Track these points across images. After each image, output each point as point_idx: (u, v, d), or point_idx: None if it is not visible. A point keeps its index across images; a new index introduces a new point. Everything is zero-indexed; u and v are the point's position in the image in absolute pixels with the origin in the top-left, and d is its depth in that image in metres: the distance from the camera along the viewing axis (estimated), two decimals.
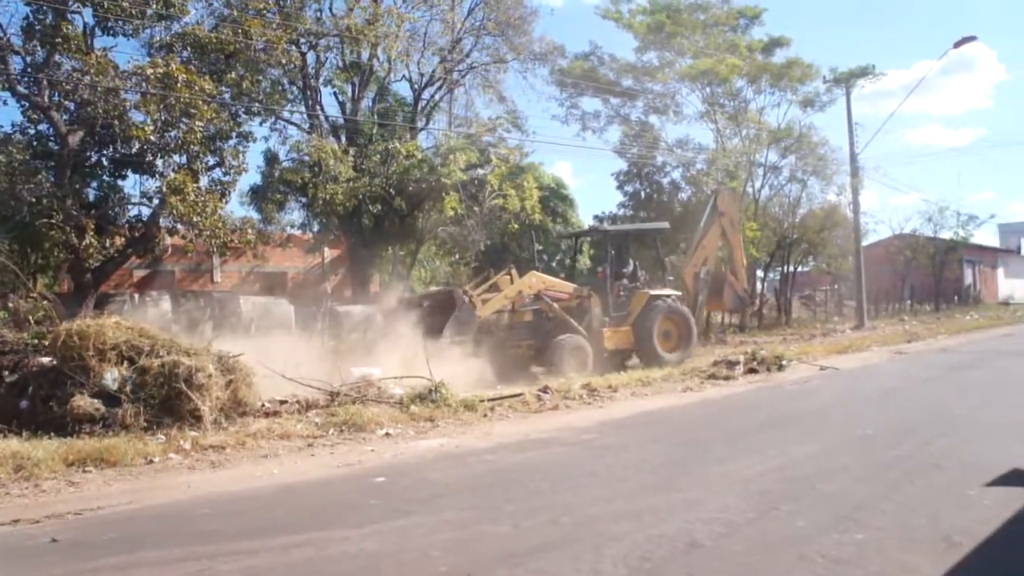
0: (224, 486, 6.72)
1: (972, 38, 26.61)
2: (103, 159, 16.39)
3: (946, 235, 41.78)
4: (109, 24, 15.43)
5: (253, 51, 16.89)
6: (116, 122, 14.39)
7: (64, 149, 14.96)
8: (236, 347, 9.70)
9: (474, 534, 5.15)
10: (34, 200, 14.22)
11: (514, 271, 15.79)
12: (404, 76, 23.79)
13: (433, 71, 24.00)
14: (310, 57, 21.49)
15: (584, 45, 47.09)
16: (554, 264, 29.00)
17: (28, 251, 15.60)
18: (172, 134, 15.07)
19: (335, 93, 23.58)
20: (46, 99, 14.99)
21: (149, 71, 14.36)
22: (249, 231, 17.57)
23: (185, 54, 16.16)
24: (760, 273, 32.25)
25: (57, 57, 15.08)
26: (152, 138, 14.67)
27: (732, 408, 10.84)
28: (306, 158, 19.94)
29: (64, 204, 14.47)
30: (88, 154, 16.01)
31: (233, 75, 16.74)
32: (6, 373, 9.01)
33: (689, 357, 16.30)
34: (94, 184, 16.77)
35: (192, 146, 15.19)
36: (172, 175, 15.02)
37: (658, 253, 18.91)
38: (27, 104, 15.25)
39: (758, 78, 30.63)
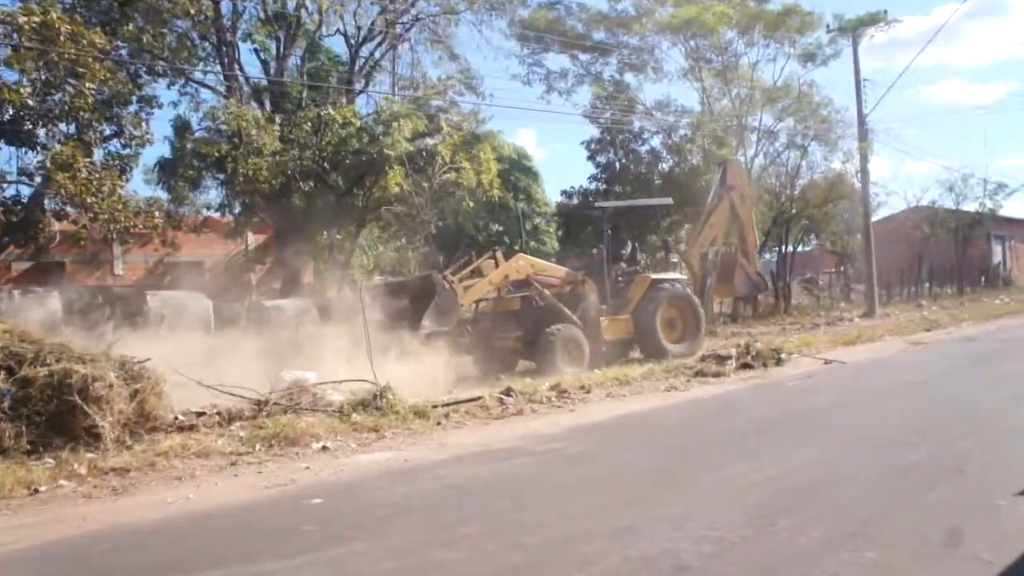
0: (128, 516, 6.58)
1: None
2: None
3: (971, 207, 42.55)
4: None
5: None
6: None
7: None
8: (143, 351, 9.51)
9: (425, 562, 5.12)
10: None
11: (499, 254, 16.04)
12: (338, 30, 23.55)
13: (373, 23, 23.76)
14: (225, 6, 21.15)
15: None
16: (516, 248, 29.08)
17: None
18: (56, 98, 14.68)
19: (256, 50, 23.17)
20: None
21: (22, 19, 13.88)
22: (156, 214, 17.27)
23: (69, 0, 15.75)
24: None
25: None
26: (30, 102, 14.24)
27: (723, 409, 10.95)
28: (223, 127, 19.61)
29: None
30: None
31: (131, 27, 16.38)
32: None
33: (698, 349, 16.69)
34: None
35: (82, 112, 14.81)
36: (58, 147, 14.63)
37: (660, 232, 19.06)
38: None
39: (750, 28, 30.90)
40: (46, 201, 15.57)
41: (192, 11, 18.16)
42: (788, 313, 29.35)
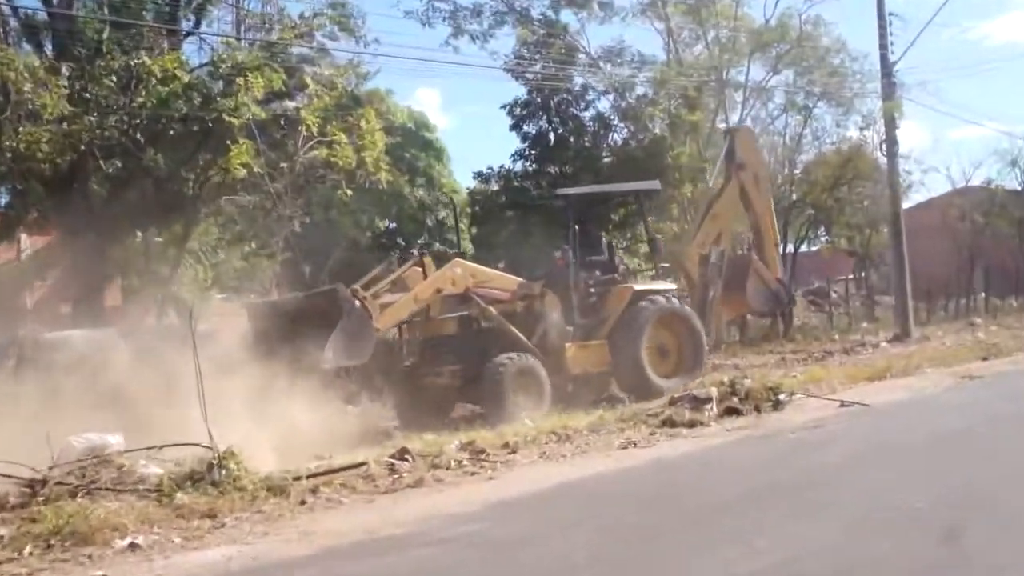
0: None
1: None
2: None
3: None
4: None
5: None
6: None
7: None
8: None
9: None
10: None
11: (428, 260, 16.53)
12: None
13: None
14: None
15: None
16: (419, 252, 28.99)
17: None
18: None
19: None
20: None
21: None
22: None
23: None
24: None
25: None
26: None
27: (701, 472, 11.01)
28: None
29: None
30: None
31: None
32: None
33: (699, 378, 17.05)
34: None
35: None
36: None
37: (645, 227, 19.93)
38: None
39: None
40: None
41: None
42: (789, 337, 29.74)
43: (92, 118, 19.68)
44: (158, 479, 9.99)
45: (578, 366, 16.61)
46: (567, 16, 32.37)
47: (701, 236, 22.33)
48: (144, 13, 23.75)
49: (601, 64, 32.26)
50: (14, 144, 18.65)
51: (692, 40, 33.14)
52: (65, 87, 19.39)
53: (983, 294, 41.21)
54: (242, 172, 20.74)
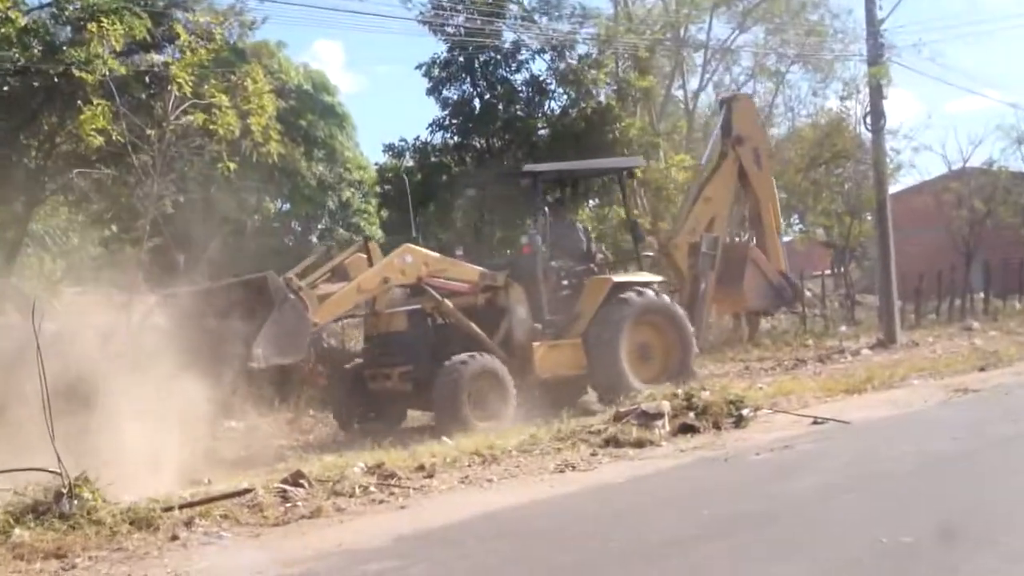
0: None
1: None
2: None
3: None
4: None
5: None
6: None
7: None
8: None
9: None
10: None
11: (373, 245, 17.06)
12: None
13: None
14: None
15: None
16: (326, 242, 28.84)
17: None
18: None
19: None
20: None
21: None
22: None
23: None
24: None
25: None
26: None
27: (648, 501, 11.08)
28: None
29: None
30: None
31: None
32: None
33: (685, 385, 17.12)
34: None
35: None
36: None
37: (626, 210, 20.63)
38: None
39: None
40: None
41: None
42: (755, 342, 30.03)
43: None
44: None
45: (547, 369, 17.03)
46: None
47: (691, 222, 22.55)
48: None
49: (536, 17, 32.32)
50: None
51: None
52: None
53: (981, 293, 41.60)
54: (98, 140, 20.36)
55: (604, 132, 28.61)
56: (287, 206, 30.70)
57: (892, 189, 32.72)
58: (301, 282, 15.70)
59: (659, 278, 19.59)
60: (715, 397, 15.73)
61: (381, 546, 9.38)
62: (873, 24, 30.06)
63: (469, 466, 12.80)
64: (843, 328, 34.21)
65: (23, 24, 20.35)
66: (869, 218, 34.71)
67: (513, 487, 11.95)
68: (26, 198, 22.31)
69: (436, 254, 17.76)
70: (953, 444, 13.54)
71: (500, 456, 13.28)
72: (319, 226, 31.56)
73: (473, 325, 16.63)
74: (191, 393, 13.64)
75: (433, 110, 32.34)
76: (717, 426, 14.95)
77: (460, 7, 31.33)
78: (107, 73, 20.00)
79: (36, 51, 20.06)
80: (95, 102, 19.90)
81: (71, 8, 20.97)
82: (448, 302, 16.69)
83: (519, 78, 32.00)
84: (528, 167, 21.21)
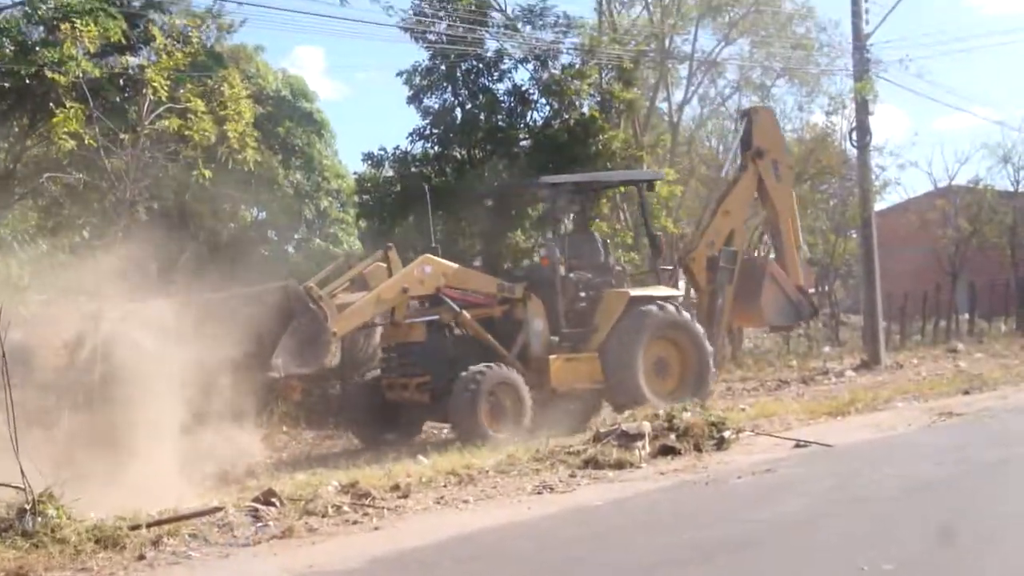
0: None
1: None
2: None
3: None
4: None
5: None
6: None
7: None
8: None
9: None
10: None
11: (393, 255, 17.31)
12: None
13: None
14: None
15: None
16: (298, 252, 28.72)
17: None
18: None
19: None
20: None
21: None
22: None
23: None
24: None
25: None
26: None
27: (626, 525, 11.07)
28: None
29: None
30: None
31: None
32: None
33: (702, 403, 17.46)
34: None
35: None
36: None
37: (645, 223, 20.76)
38: None
39: None
40: None
41: None
42: (738, 363, 30.13)
43: None
44: None
45: (563, 381, 17.44)
46: None
47: (710, 235, 22.75)
48: None
49: (519, 26, 32.29)
50: None
51: (629, 0, 33.44)
52: None
53: (967, 315, 41.85)
54: (70, 143, 20.24)
55: (587, 144, 28.56)
56: (263, 214, 30.59)
57: (877, 207, 32.98)
58: (321, 291, 16.00)
59: (678, 292, 20.32)
60: (696, 419, 15.72)
61: (354, 568, 9.35)
62: (859, 39, 30.23)
63: (445, 486, 12.79)
64: (827, 349, 34.35)
65: None
66: (854, 236, 34.82)
67: (490, 508, 11.94)
68: None
69: (455, 265, 18.20)
70: (937, 469, 13.61)
71: (477, 476, 13.28)
72: (295, 235, 31.40)
73: (489, 336, 17.13)
74: (163, 407, 13.60)
75: (413, 119, 32.14)
76: (698, 448, 14.97)
77: (442, 14, 31.29)
78: (80, 75, 19.92)
79: (7, 51, 19.98)
80: (68, 104, 19.80)
81: (44, 8, 20.88)
82: (466, 313, 17.14)
83: (501, 88, 31.90)
84: (546, 178, 21.63)
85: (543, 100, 31.50)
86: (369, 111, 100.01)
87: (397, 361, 17.49)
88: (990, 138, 74.45)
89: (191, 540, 10.23)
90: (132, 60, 21.40)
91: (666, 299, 18.82)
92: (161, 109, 21.25)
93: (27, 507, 9.93)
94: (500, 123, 30.98)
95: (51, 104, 19.81)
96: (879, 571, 8.49)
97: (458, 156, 30.72)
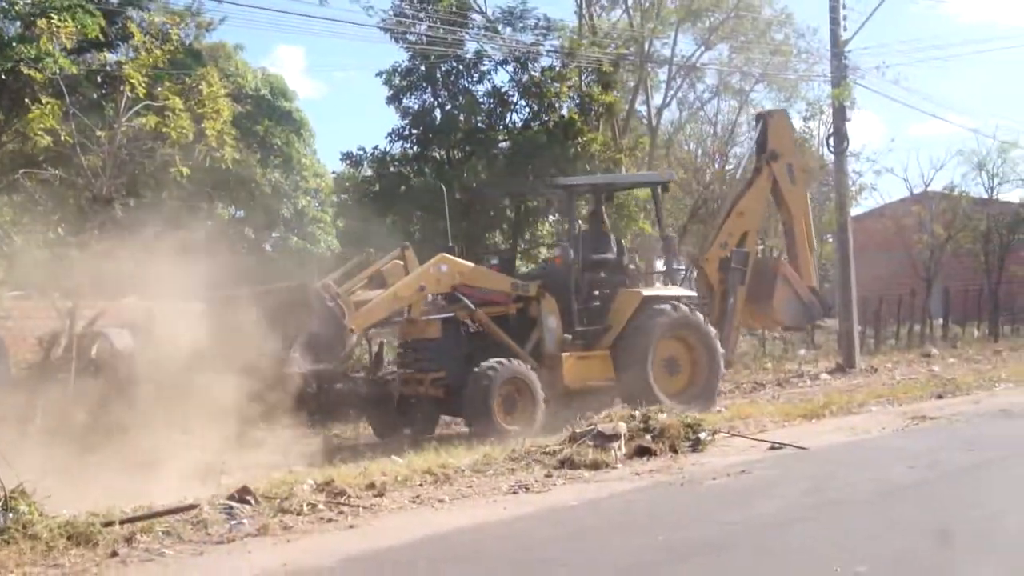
0: None
1: None
2: None
3: (1013, 195, 45.73)
4: None
5: None
6: None
7: None
8: None
9: None
10: None
11: (410, 253, 17.84)
12: None
13: None
14: None
15: None
16: (281, 252, 28.61)
17: None
18: None
19: None
20: None
21: None
22: None
23: None
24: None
25: None
26: None
27: (600, 526, 11.06)
28: None
29: None
30: None
31: None
32: None
33: (711, 403, 18.55)
34: None
35: None
36: None
37: (659, 223, 21.14)
38: None
39: None
40: None
41: None
42: None
43: None
44: None
45: (575, 378, 17.75)
46: None
47: (723, 235, 22.97)
48: None
49: (499, 28, 32.32)
50: None
51: (610, 3, 33.45)
52: None
53: (941, 320, 42.05)
54: (46, 139, 20.13)
55: (566, 146, 28.63)
56: (241, 213, 30.54)
57: (854, 212, 33.09)
58: (339, 288, 16.43)
59: (690, 293, 20.33)
60: (672, 420, 15.71)
61: (328, 566, 9.32)
62: (837, 45, 30.35)
63: (421, 485, 12.75)
64: (802, 352, 34.45)
65: None
66: (830, 240, 34.96)
67: (465, 508, 11.91)
68: None
69: (470, 264, 18.59)
70: (910, 473, 13.61)
71: (453, 476, 13.24)
72: (273, 234, 31.38)
73: (503, 334, 17.51)
74: (142, 404, 13.58)
75: (393, 119, 32.22)
76: (674, 449, 14.96)
77: (423, 15, 31.28)
78: (57, 71, 19.83)
79: None
80: (44, 100, 19.68)
81: (21, 3, 20.77)
82: (481, 311, 17.53)
83: (481, 89, 31.99)
84: (562, 180, 22.06)
85: (523, 102, 31.61)
86: (348, 111, 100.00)
87: (413, 357, 17.87)
88: (965, 145, 74.50)
89: (165, 537, 10.16)
90: (110, 57, 21.35)
91: (679, 299, 19.19)
92: (139, 106, 21.12)
93: None
94: (479, 124, 31.06)
95: (27, 100, 19.70)
96: (852, 573, 8.51)
97: (437, 156, 30.76)
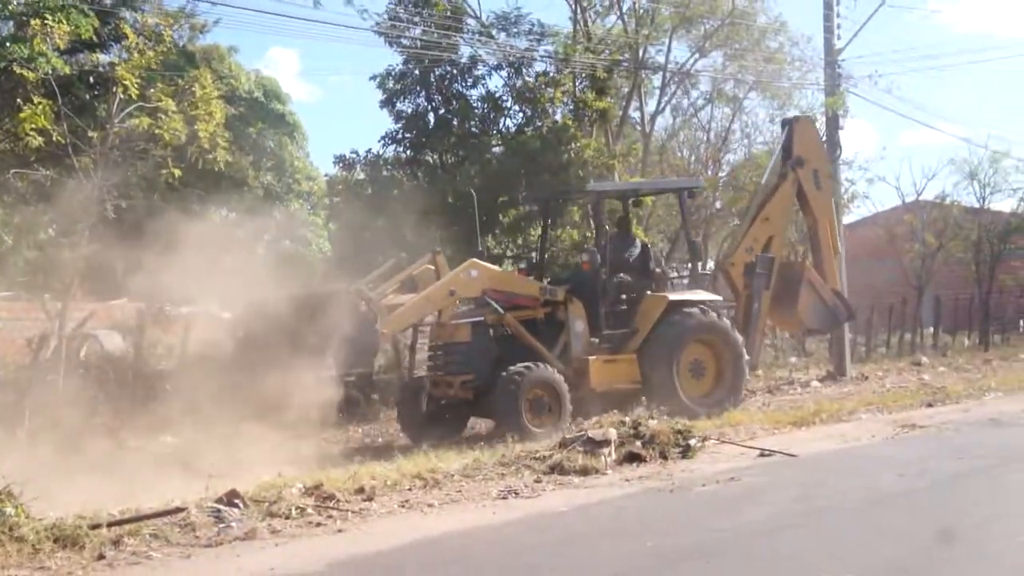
0: None
1: None
2: None
3: (1004, 204, 44.67)
4: None
5: None
6: None
7: None
8: None
9: None
10: None
11: (440, 258, 18.40)
12: None
13: None
14: None
15: None
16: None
17: None
18: None
19: None
20: None
21: None
22: None
23: None
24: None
25: None
26: None
27: (590, 532, 11.03)
28: None
29: None
30: None
31: None
32: None
33: (734, 407, 18.83)
34: None
35: None
36: None
37: (685, 229, 21.80)
38: None
39: None
40: None
41: None
42: None
43: None
44: None
45: (602, 382, 18.04)
46: None
47: (748, 240, 23.01)
48: None
49: (494, 33, 32.29)
50: None
51: (604, 9, 33.43)
52: None
53: (931, 328, 41.81)
54: (37, 140, 20.06)
55: (559, 152, 28.60)
56: (232, 214, 30.32)
57: (845, 220, 33.02)
58: (371, 294, 16.83)
59: (717, 297, 20.67)
60: (662, 426, 15.72)
61: (315, 571, 9.30)
62: (831, 54, 30.41)
63: (410, 489, 12.73)
64: (793, 359, 34.43)
65: None
66: (800, 250, 34.97)
67: (454, 513, 11.89)
68: None
69: (499, 269, 19.48)
70: (899, 481, 13.61)
71: (442, 480, 13.23)
72: (265, 237, 31.22)
73: (532, 338, 17.87)
74: (124, 408, 13.58)
75: (386, 123, 32.12)
76: (664, 456, 14.94)
77: (417, 20, 31.25)
78: (50, 71, 19.78)
79: None
80: (36, 100, 19.63)
81: (14, 3, 20.72)
82: (510, 316, 17.85)
83: (475, 94, 31.96)
84: (591, 186, 22.83)
85: (516, 107, 31.60)
86: (342, 114, 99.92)
87: (443, 360, 18.11)
88: (957, 154, 74.48)
89: (152, 540, 10.13)
90: (102, 58, 21.30)
91: (705, 303, 19.45)
92: (131, 108, 21.09)
93: None
94: (473, 129, 31.05)
95: (19, 100, 19.65)
96: None
97: (430, 161, 30.73)
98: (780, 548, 10.03)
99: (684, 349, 18.86)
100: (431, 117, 31.67)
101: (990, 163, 42.87)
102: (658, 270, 20.68)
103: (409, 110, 31.77)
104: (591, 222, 29.70)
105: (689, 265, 22.08)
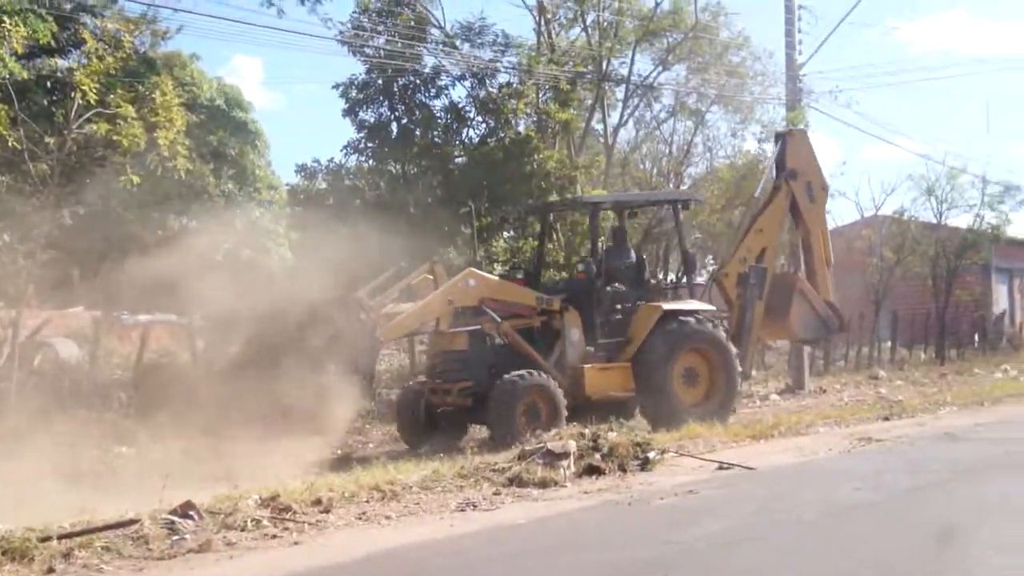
0: None
1: None
2: None
3: (960, 220, 45.05)
4: None
5: None
6: None
7: None
8: None
9: None
10: None
11: (439, 268, 18.93)
12: None
13: None
14: None
15: None
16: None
17: None
18: None
19: None
20: None
21: None
22: None
23: None
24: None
25: None
26: None
27: (546, 545, 10.99)
28: None
29: None
30: None
31: None
32: None
33: (728, 414, 19.20)
34: None
35: None
36: None
37: (680, 240, 22.00)
38: None
39: None
40: None
41: None
42: None
43: None
44: None
45: (597, 389, 18.42)
46: None
47: (742, 252, 23.13)
48: None
49: (457, 43, 32.29)
50: None
51: (568, 21, 33.47)
52: None
53: (889, 342, 42.36)
54: None
55: (522, 163, 28.61)
56: (193, 223, 30.15)
57: None
58: (371, 301, 17.17)
59: (710, 307, 21.02)
60: (621, 438, 15.71)
61: None
62: (792, 69, 30.67)
63: (368, 501, 12.67)
64: (753, 372, 34.49)
65: None
66: (782, 261, 35.08)
67: (412, 525, 11.84)
68: None
69: (497, 278, 19.58)
70: (855, 494, 13.67)
71: (400, 492, 13.17)
72: (225, 245, 31.00)
73: (528, 346, 18.22)
74: (79, 418, 13.45)
75: (349, 132, 31.99)
76: (623, 468, 14.96)
77: (381, 29, 31.21)
78: (7, 76, 19.62)
79: None
80: None
81: None
82: (506, 324, 18.17)
83: (438, 104, 31.92)
84: (587, 197, 23.65)
85: (479, 118, 31.60)
86: (305, 123, 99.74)
87: (441, 367, 18.50)
88: (915, 170, 75.00)
89: (104, 553, 10.01)
90: (61, 63, 21.15)
91: (698, 313, 19.86)
92: (90, 113, 20.89)
93: None
94: (436, 139, 31.04)
95: None
96: None
97: (392, 171, 30.67)
98: (738, 561, 10.01)
99: (678, 358, 19.23)
100: (394, 127, 31.58)
101: (947, 179, 43.57)
102: (653, 282, 21.42)
103: (372, 120, 31.67)
104: (553, 234, 29.74)
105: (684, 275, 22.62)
